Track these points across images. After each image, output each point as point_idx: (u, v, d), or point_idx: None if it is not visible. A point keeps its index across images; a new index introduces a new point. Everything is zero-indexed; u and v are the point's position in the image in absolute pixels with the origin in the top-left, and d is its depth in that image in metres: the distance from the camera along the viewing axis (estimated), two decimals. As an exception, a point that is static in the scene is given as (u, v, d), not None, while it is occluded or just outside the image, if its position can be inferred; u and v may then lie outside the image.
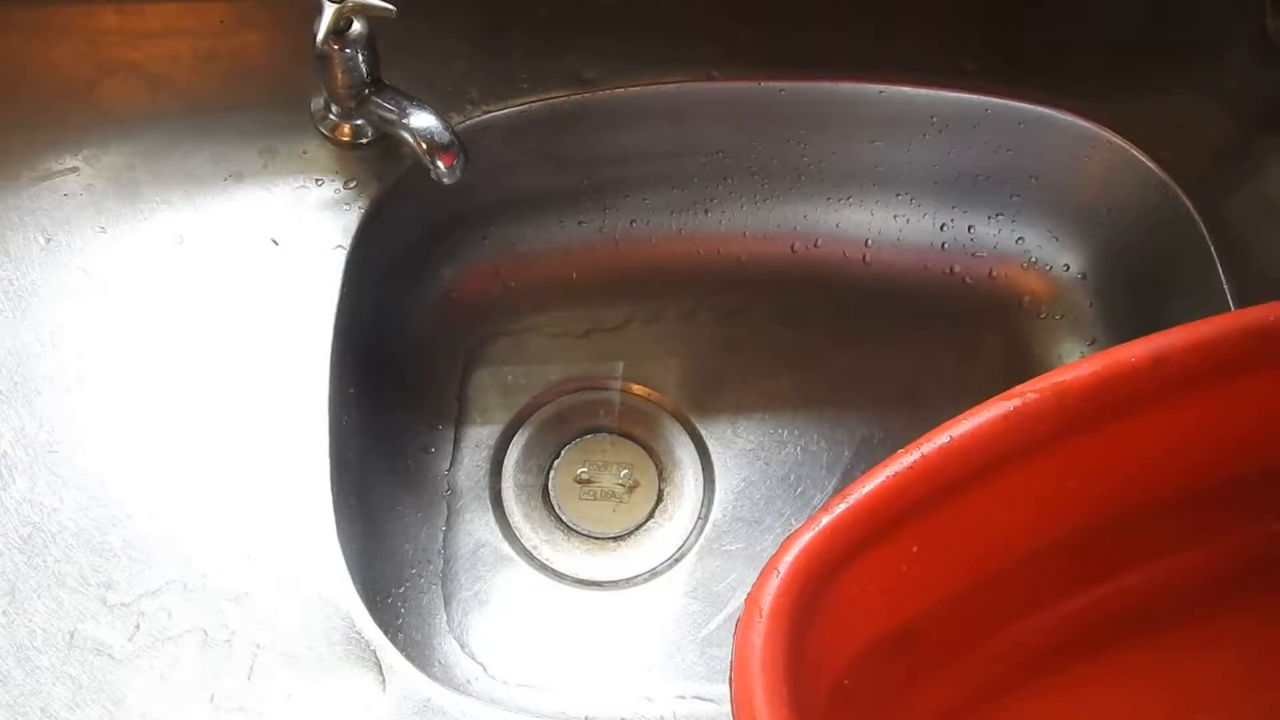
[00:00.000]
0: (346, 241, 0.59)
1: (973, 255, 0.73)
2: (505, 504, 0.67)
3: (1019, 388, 0.46)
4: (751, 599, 0.42)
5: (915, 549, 0.46)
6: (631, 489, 0.68)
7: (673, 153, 0.70)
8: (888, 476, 0.44)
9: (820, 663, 0.44)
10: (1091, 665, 0.52)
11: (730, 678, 0.40)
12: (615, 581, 0.65)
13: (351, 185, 0.61)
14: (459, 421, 0.69)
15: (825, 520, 0.43)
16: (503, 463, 0.68)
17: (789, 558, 0.42)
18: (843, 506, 0.43)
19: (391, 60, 0.60)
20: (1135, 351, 0.47)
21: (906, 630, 0.47)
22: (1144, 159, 0.65)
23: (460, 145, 0.58)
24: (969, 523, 0.47)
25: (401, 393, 0.68)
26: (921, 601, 0.47)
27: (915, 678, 0.49)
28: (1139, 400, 0.48)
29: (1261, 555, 0.54)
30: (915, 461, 0.44)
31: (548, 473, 0.68)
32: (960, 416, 0.45)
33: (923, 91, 0.67)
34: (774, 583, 0.42)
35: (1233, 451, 0.51)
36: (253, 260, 0.58)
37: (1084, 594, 0.52)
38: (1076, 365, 0.47)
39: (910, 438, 0.46)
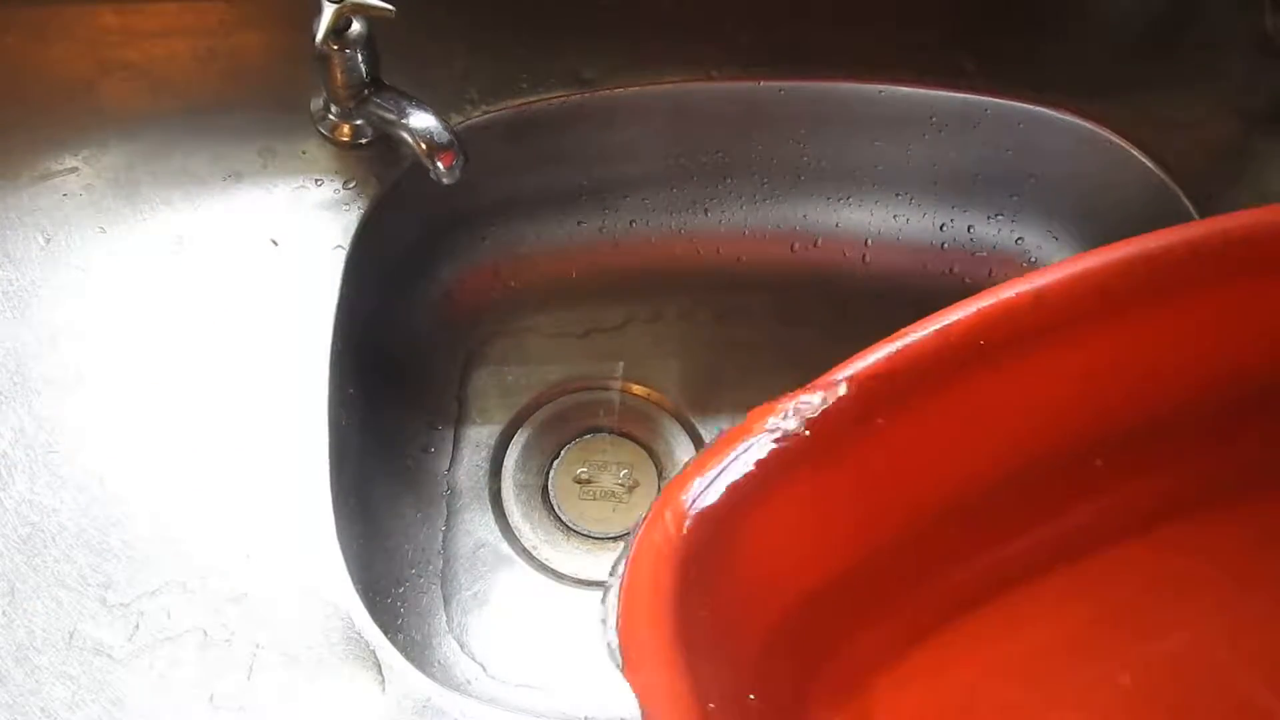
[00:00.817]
0: (346, 241, 0.59)
1: (972, 255, 0.73)
2: (505, 504, 0.67)
3: (907, 328, 0.46)
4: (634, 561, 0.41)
5: (833, 495, 0.45)
6: (631, 489, 0.68)
7: (673, 153, 0.70)
8: (774, 442, 0.44)
9: (747, 614, 0.44)
10: (1017, 608, 0.52)
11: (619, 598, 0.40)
12: (615, 581, 0.65)
13: (351, 185, 0.61)
14: (459, 421, 0.69)
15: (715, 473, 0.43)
16: (502, 463, 0.68)
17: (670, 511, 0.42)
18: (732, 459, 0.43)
19: (391, 60, 0.60)
20: (1017, 287, 0.47)
21: (840, 581, 0.47)
22: (1144, 159, 0.65)
23: (459, 145, 0.58)
24: (876, 472, 0.47)
25: (401, 393, 0.68)
26: (851, 551, 0.47)
27: (853, 627, 0.49)
28: (1024, 338, 0.47)
29: (1177, 495, 0.54)
30: (799, 405, 0.44)
31: (547, 473, 0.69)
32: (852, 357, 0.45)
33: (923, 91, 0.67)
34: (660, 535, 0.41)
35: (1135, 393, 0.51)
36: (252, 260, 0.58)
37: (1003, 545, 0.52)
38: (962, 304, 0.46)
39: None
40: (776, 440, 0.44)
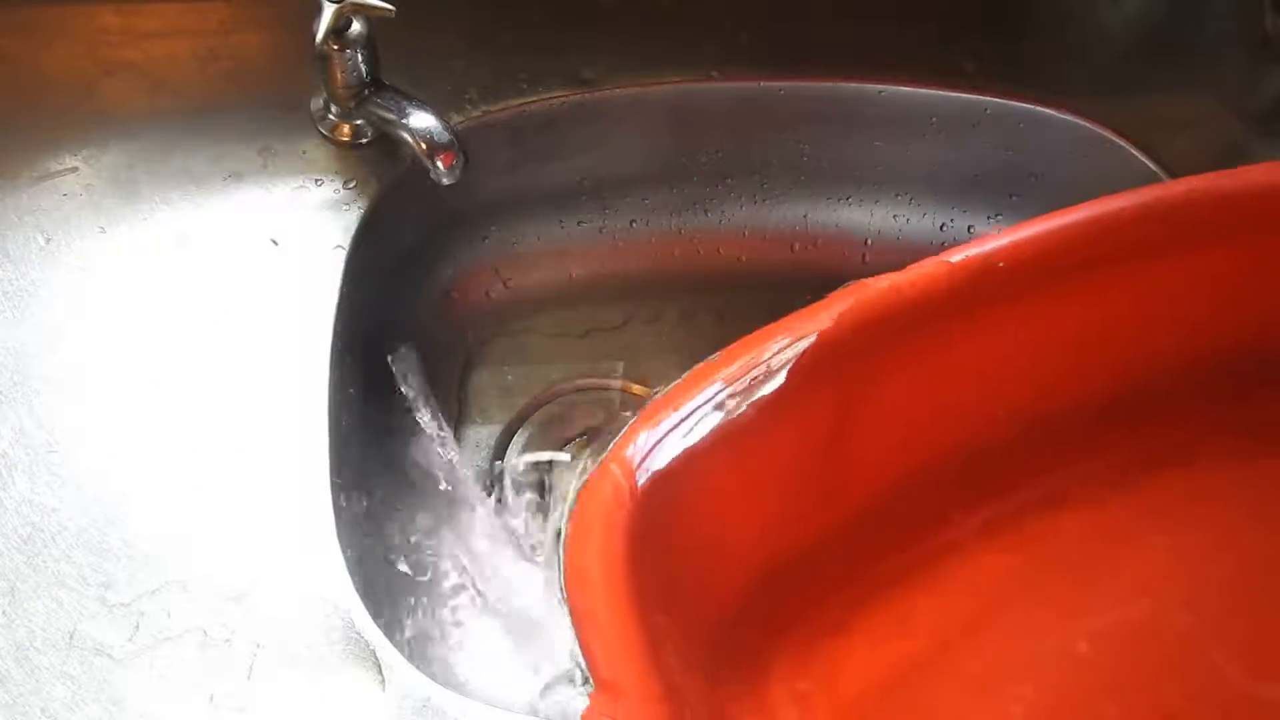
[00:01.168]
0: (346, 241, 0.59)
1: (973, 255, 0.73)
2: (505, 504, 0.67)
3: (862, 284, 0.46)
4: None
5: (773, 467, 0.45)
6: (631, 489, 0.68)
7: (673, 153, 0.70)
8: (729, 399, 0.43)
9: (706, 579, 0.44)
10: (976, 576, 0.52)
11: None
12: (615, 581, 0.65)
13: (351, 185, 0.61)
14: (459, 421, 0.69)
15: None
16: (503, 462, 0.68)
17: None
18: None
19: (391, 60, 0.60)
20: (967, 250, 0.47)
21: (805, 548, 0.47)
22: (1144, 159, 0.65)
23: (459, 145, 0.58)
24: (840, 439, 0.47)
25: (401, 393, 0.67)
26: (813, 519, 0.47)
27: (816, 594, 0.49)
28: (975, 304, 0.47)
29: (1138, 463, 0.54)
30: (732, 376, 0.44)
31: (547, 473, 0.68)
32: (808, 318, 0.45)
33: (923, 91, 0.67)
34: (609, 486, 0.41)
35: (1101, 360, 0.51)
36: (252, 260, 0.58)
37: (964, 515, 0.52)
38: (916, 265, 0.47)
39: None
40: (730, 399, 0.43)
